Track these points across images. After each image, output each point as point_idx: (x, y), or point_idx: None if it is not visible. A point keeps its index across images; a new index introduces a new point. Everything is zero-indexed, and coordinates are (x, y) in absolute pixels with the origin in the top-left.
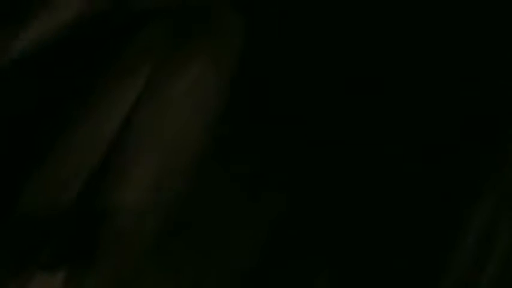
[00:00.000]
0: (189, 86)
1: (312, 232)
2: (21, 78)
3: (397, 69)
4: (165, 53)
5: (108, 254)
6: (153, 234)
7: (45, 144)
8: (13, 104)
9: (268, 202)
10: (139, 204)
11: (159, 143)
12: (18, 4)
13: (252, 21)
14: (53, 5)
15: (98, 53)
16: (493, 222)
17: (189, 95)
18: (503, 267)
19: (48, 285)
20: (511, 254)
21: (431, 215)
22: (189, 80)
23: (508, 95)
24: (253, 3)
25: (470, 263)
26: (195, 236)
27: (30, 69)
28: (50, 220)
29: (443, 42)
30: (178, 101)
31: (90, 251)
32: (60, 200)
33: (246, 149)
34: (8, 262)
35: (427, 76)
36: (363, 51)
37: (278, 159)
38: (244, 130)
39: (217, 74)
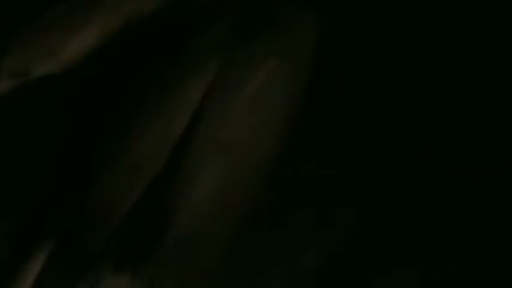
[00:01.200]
0: (259, 89)
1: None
2: (82, 79)
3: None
4: (232, 52)
5: (174, 255)
6: (221, 239)
7: (110, 145)
8: (77, 103)
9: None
10: (206, 207)
11: (225, 149)
12: (72, 6)
13: (324, 18)
14: (106, 4)
15: (161, 52)
16: None
17: (258, 98)
18: None
19: (115, 286)
20: None
21: None
22: (258, 81)
23: None
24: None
25: None
26: (263, 245)
27: (91, 69)
28: (117, 220)
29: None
30: (246, 105)
31: (156, 251)
32: (127, 200)
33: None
34: (75, 263)
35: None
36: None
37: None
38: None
39: (290, 75)
